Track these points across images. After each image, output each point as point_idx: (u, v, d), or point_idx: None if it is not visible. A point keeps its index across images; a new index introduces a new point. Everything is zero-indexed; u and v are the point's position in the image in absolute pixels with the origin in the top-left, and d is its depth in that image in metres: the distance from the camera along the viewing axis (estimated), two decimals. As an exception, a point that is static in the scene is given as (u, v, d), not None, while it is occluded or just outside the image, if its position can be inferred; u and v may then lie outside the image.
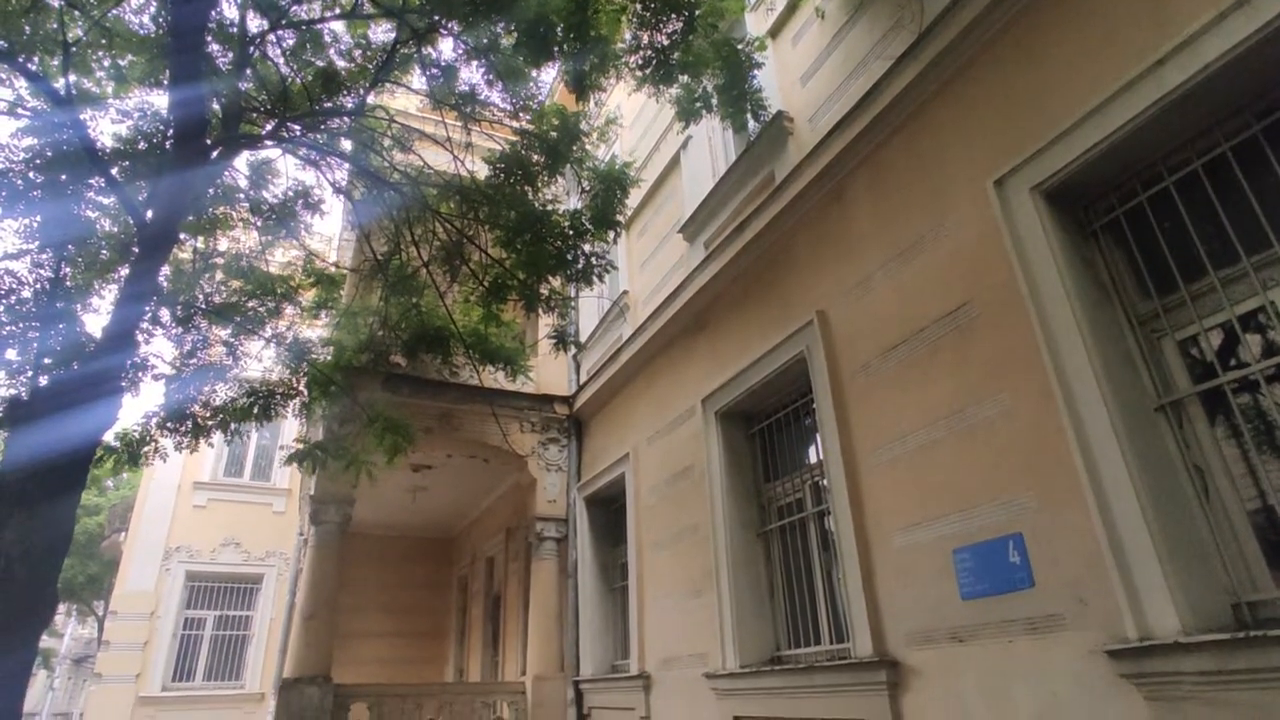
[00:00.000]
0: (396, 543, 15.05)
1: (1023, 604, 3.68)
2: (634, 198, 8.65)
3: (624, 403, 8.41)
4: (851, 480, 4.75)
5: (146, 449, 6.26)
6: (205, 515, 16.31)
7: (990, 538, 3.88)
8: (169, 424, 6.38)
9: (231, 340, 6.86)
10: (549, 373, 9.72)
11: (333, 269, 8.89)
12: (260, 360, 7.49)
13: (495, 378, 9.14)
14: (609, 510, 8.89)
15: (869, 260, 4.95)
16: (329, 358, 7.64)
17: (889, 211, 4.84)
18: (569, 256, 6.45)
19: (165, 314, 6.54)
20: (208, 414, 6.63)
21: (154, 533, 15.80)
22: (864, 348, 4.87)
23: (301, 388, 7.08)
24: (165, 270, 6.49)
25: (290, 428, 14.70)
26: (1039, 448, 3.73)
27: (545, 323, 8.46)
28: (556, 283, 7.12)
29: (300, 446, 7.22)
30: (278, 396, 6.84)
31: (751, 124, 6.64)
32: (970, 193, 4.29)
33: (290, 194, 6.76)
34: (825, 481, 5.28)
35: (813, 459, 5.65)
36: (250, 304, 6.99)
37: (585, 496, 8.99)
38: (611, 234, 6.61)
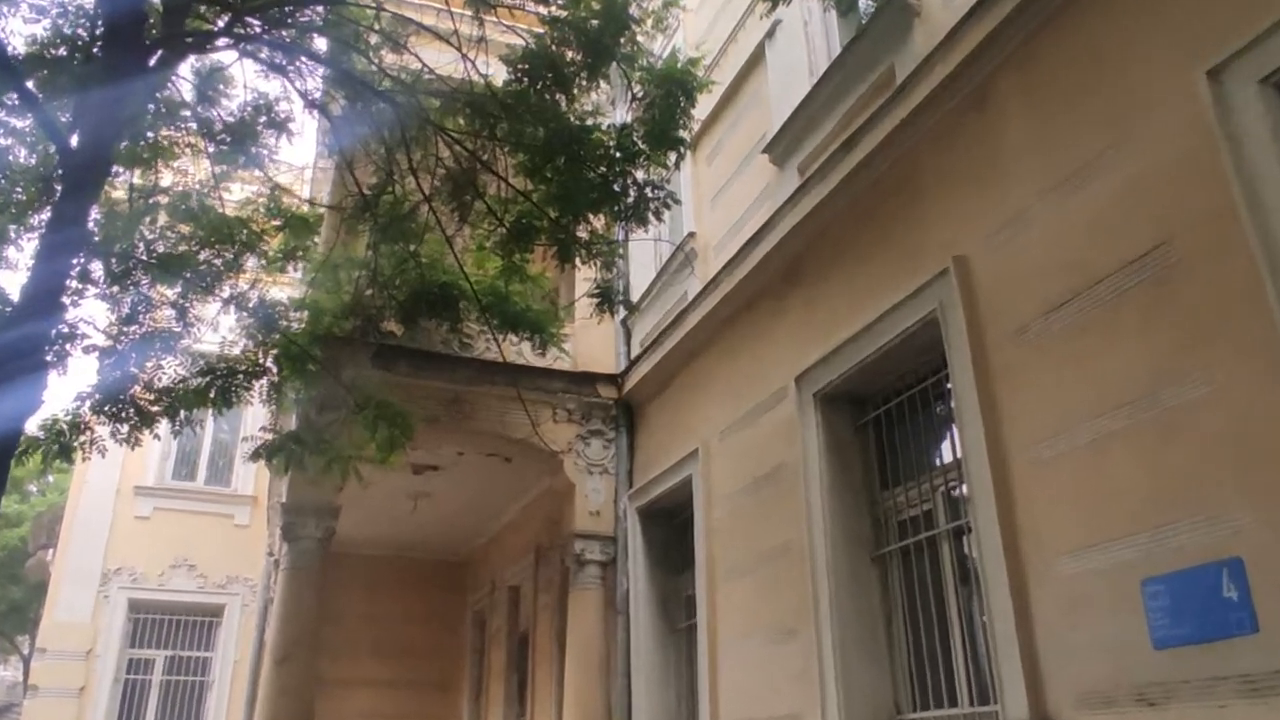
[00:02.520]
0: (393, 566, 15.50)
1: (1241, 655, 3.58)
2: (702, 107, 8.57)
3: (690, 383, 8.46)
4: (1000, 486, 4.71)
5: (81, 440, 6.56)
6: (150, 529, 17.03)
7: (1194, 564, 3.77)
8: (105, 409, 6.66)
9: (180, 302, 7.10)
10: (591, 343, 9.85)
11: (305, 208, 9.08)
12: (216, 328, 7.74)
13: (519, 350, 9.29)
14: (670, 525, 9.01)
15: (1024, 188, 4.85)
16: (303, 325, 7.86)
17: (1051, 121, 4.73)
18: (615, 188, 6.48)
19: (97, 268, 6.80)
20: (152, 398, 6.89)
21: (88, 550, 16.57)
22: (1017, 306, 4.79)
23: (269, 364, 7.31)
24: (96, 213, 6.72)
25: (256, 416, 15.16)
26: (1264, 444, 3.62)
27: (584, 277, 8.56)
28: (599, 223, 7.16)
29: (269, 439, 7.46)
30: (240, 376, 7.08)
31: (864, 2, 6.52)
32: (1169, 89, 4.13)
33: (250, 110, 6.91)
34: (963, 488, 5.24)
35: (946, 457, 5.61)
36: (202, 255, 7.22)
37: (639, 507, 9.11)
38: (672, 157, 6.60)
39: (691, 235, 8.82)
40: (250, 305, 7.39)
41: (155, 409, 6.83)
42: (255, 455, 7.34)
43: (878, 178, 5.99)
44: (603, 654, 8.99)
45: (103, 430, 6.87)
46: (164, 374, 7.04)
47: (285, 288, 9.68)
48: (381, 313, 8.28)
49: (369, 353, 8.58)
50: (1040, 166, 4.77)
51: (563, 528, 9.96)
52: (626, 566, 9.09)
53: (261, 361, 7.30)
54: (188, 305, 7.17)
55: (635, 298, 9.60)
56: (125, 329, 6.96)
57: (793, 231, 6.72)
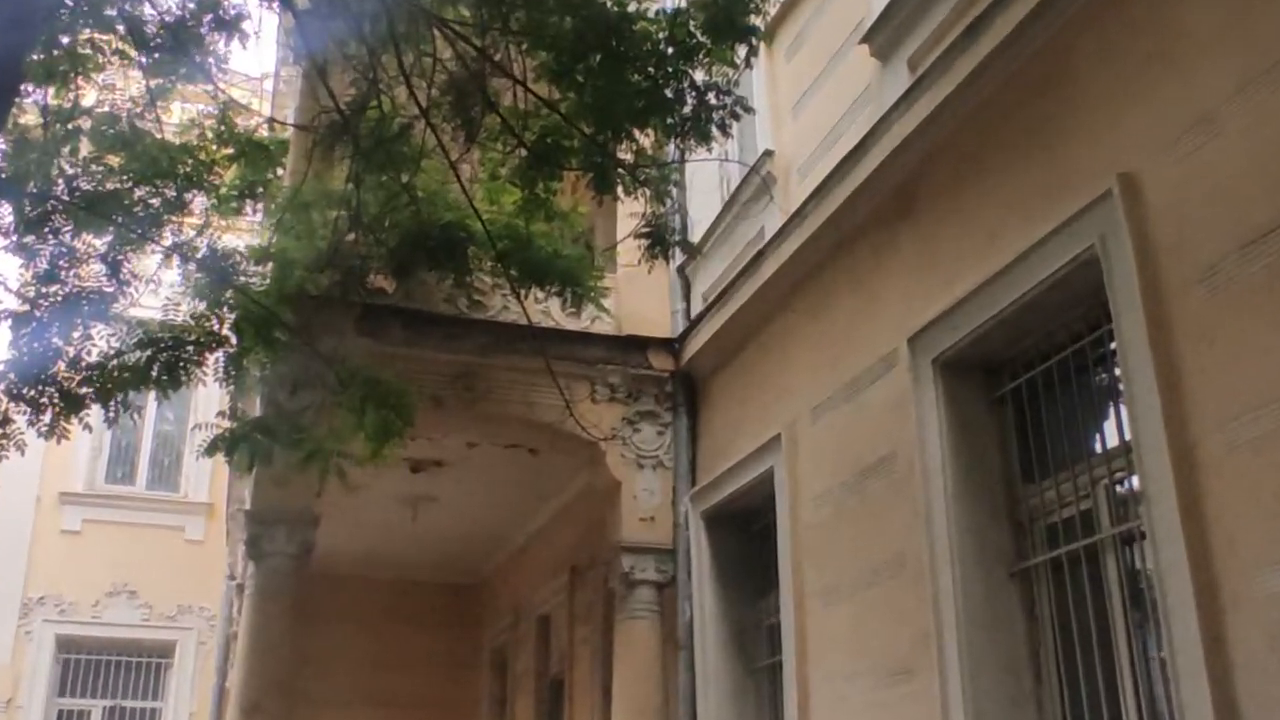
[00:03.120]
0: (388, 592, 15.81)
1: None
2: (779, -16, 8.57)
3: (769, 348, 8.49)
4: (1184, 478, 4.65)
5: (4, 433, 6.75)
6: (81, 547, 17.48)
7: None
8: (21, 393, 6.81)
9: (112, 254, 7.23)
10: (639, 299, 9.96)
11: (266, 130, 9.18)
12: (158, 287, 7.87)
13: (546, 309, 9.40)
14: (746, 534, 9.09)
15: (1212, 81, 4.75)
16: (267, 281, 7.97)
17: (1254, -14, 4.62)
18: (667, 93, 6.45)
19: (6, 213, 6.93)
20: (80, 377, 7.04)
21: (3, 575, 17.01)
22: (1206, 239, 4.71)
23: (225, 331, 7.43)
24: (1, 143, 6.85)
25: (209, 399, 15.46)
26: None
27: (629, 212, 8.55)
28: (646, 141, 7.14)
29: (227, 429, 7.62)
30: (189, 347, 7.22)
31: None
32: None
33: (192, 6, 6.94)
34: (1134, 481, 5.20)
35: (1111, 441, 5.56)
36: (137, 194, 7.33)
37: (705, 511, 9.19)
38: (741, 51, 6.55)
39: (768, 155, 8.77)
40: (199, 257, 7.50)
41: (84, 391, 6.97)
42: (210, 449, 7.47)
43: (1014, 73, 5.91)
44: (659, 702, 9.08)
45: (19, 420, 7.02)
46: (94, 347, 7.17)
47: (243, 234, 9.80)
48: (367, 264, 8.37)
49: (352, 315, 8.70)
50: (1238, 52, 4.67)
51: (605, 539, 10.06)
52: (689, 588, 9.17)
53: (216, 329, 7.41)
54: (121, 258, 7.29)
55: (696, 238, 9.62)
56: (44, 290, 7.10)
57: (903, 146, 6.66)
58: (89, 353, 7.19)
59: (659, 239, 7.63)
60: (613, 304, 9.74)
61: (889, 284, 6.97)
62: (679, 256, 9.37)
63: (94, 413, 7.34)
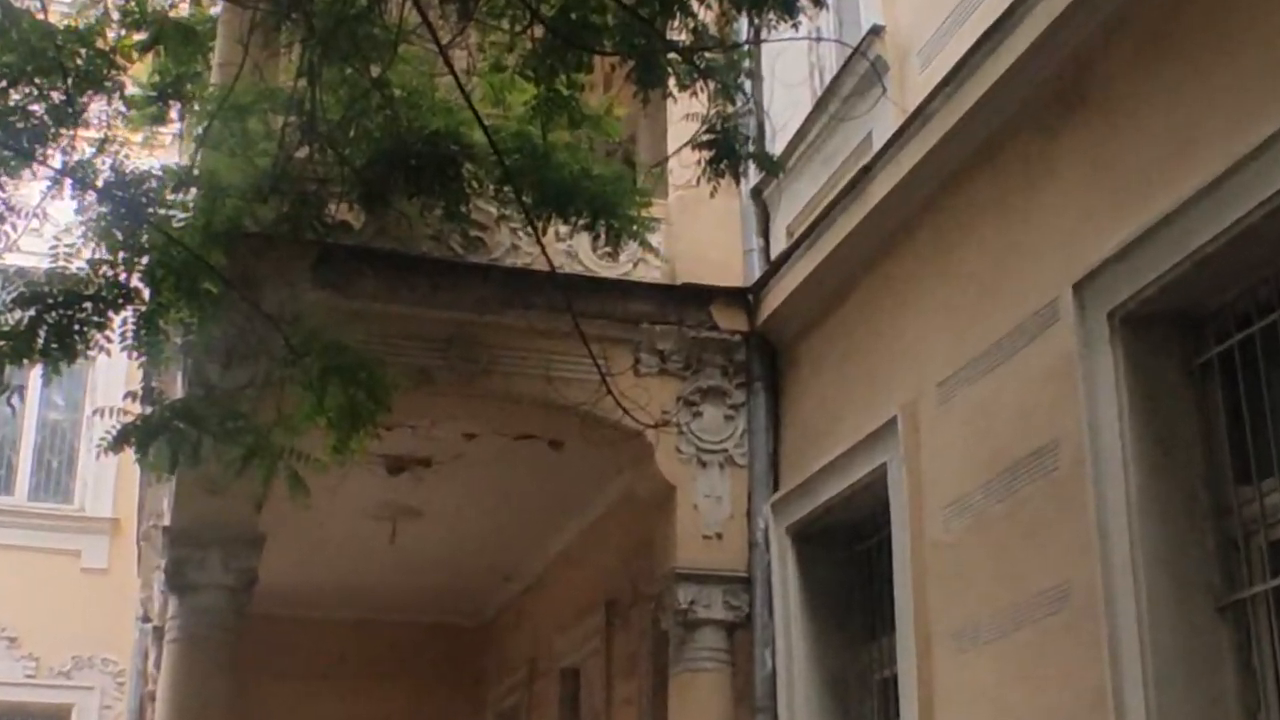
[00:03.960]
0: (357, 636, 15.93)
1: None
2: None
3: (879, 300, 8.49)
4: None
5: None
6: (-59, 579, 17.61)
7: None
8: None
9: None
10: (698, 234, 9.96)
11: (188, 7, 9.15)
12: (42, 225, 7.89)
13: (572, 249, 9.42)
14: (848, 556, 9.13)
15: None
16: (192, 214, 7.98)
17: None
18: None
19: None
20: None
21: None
22: None
23: (136, 282, 7.45)
24: None
25: (112, 376, 15.58)
26: None
27: (686, 114, 8.48)
28: (709, 14, 7.09)
29: (139, 416, 7.66)
30: (86, 306, 7.22)
31: None
32: None
33: None
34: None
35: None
36: (13, 97, 7.32)
37: (792, 525, 9.22)
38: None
39: (877, 32, 8.67)
40: (99, 183, 7.50)
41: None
42: (116, 444, 7.51)
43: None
44: (729, 785, 9.17)
45: None
46: None
47: (158, 152, 9.81)
48: (326, 189, 8.36)
49: (307, 260, 8.76)
50: None
51: (655, 565, 10.07)
52: (771, 630, 9.20)
53: (123, 279, 7.43)
54: (-9, 185, 7.31)
55: (777, 149, 9.52)
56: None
57: (1068, 16, 6.57)
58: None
59: (726, 150, 7.58)
60: (663, 241, 9.72)
61: (1048, 209, 6.89)
62: (754, 175, 9.32)
63: None
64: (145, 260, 7.54)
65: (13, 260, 7.56)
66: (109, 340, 7.56)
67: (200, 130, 8.54)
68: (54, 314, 7.16)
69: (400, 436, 10.06)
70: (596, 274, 9.60)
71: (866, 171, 8.30)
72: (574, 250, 9.53)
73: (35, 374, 8.00)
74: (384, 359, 7.65)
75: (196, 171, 8.31)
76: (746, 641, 9.38)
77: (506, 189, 8.13)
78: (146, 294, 7.55)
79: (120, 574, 17.47)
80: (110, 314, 7.41)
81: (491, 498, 12.21)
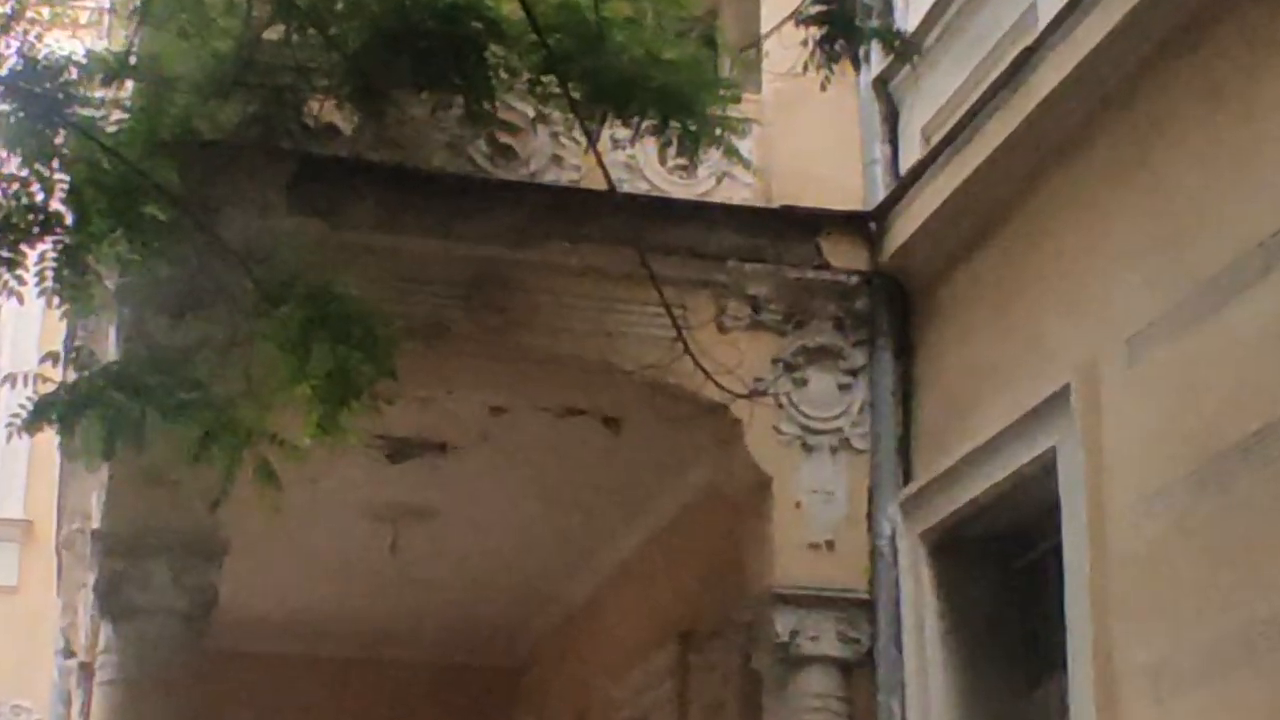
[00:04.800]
0: (350, 679, 16.12)
1: None
2: None
3: (1046, 227, 8.49)
4: None
5: None
6: None
7: None
8: None
9: None
10: (802, 140, 9.97)
11: None
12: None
13: (634, 160, 9.44)
14: (1004, 572, 9.16)
15: None
16: (129, 117, 8.06)
17: None
18: None
19: None
20: None
21: None
22: None
23: (57, 205, 7.51)
24: None
25: (26, 330, 15.70)
26: None
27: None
28: None
29: (60, 385, 7.80)
30: (-8, 235, 7.32)
31: None
32: None
33: None
34: None
35: None
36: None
37: (929, 531, 9.27)
38: None
39: None
40: (6, 70, 7.60)
41: None
42: (32, 422, 7.62)
43: None
44: None
45: None
46: None
47: (83, 32, 9.90)
48: (306, 81, 8.46)
49: (282, 177, 8.82)
50: None
51: (743, 581, 10.14)
52: (900, 669, 9.24)
53: (40, 201, 7.51)
54: None
55: (909, 26, 9.46)
56: None
57: None
58: None
59: (841, 26, 7.62)
60: (755, 150, 9.72)
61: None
62: (877, 60, 9.34)
63: None
64: (67, 177, 7.61)
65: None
66: (21, 282, 7.63)
67: (140, 1, 8.57)
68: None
69: (406, 412, 10.04)
70: (667, 194, 9.60)
71: (1030, 55, 8.23)
72: (636, 162, 9.54)
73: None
74: (385, 308, 7.68)
75: (134, 58, 8.39)
76: (867, 685, 9.37)
77: (547, 79, 8.16)
78: (69, 220, 7.60)
79: (33, 593, 17.65)
80: (22, 247, 7.48)
81: (526, 494, 12.31)
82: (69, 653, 14.72)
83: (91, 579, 9.28)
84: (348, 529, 12.52)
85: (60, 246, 7.54)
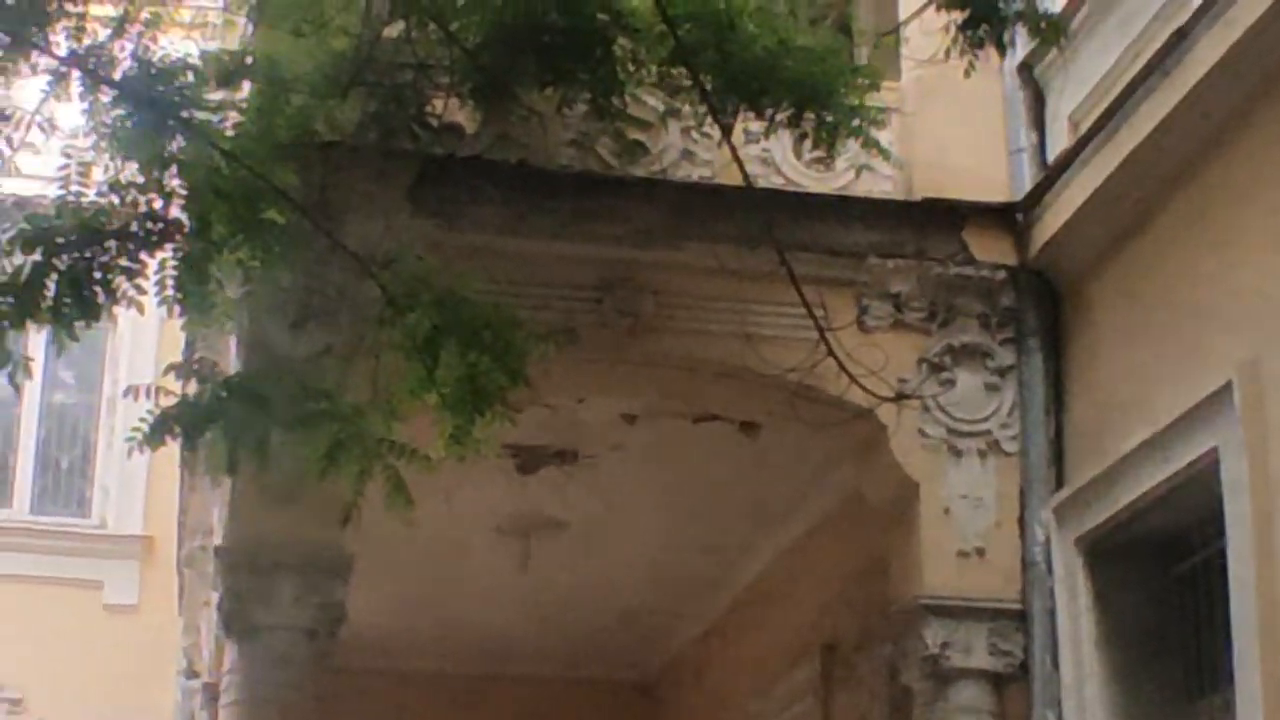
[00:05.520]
0: (479, 697, 16.07)
1: None
2: None
3: (1206, 219, 8.33)
4: None
5: None
6: (-81, 619, 18.01)
7: None
8: None
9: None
10: (943, 130, 9.87)
11: None
12: (48, 137, 7.96)
13: (766, 154, 9.33)
14: (1162, 579, 9.03)
15: None
16: (246, 119, 8.00)
17: None
18: None
19: None
20: None
21: None
22: None
23: (177, 212, 7.43)
24: None
25: (139, 343, 15.78)
26: None
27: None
28: None
29: (183, 397, 7.71)
30: (110, 247, 7.24)
31: None
32: None
33: None
34: None
35: None
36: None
37: (1084, 536, 9.13)
38: None
39: None
40: (120, 74, 7.55)
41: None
42: (154, 436, 7.54)
43: None
44: None
45: None
46: None
47: (193, 33, 9.86)
48: (428, 79, 8.39)
49: (405, 178, 8.75)
50: None
51: (890, 592, 10.03)
52: (1056, 684, 9.10)
53: (159, 208, 7.44)
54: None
55: (1056, 5, 9.31)
56: None
57: None
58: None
59: (985, 10, 7.45)
60: (895, 140, 9.52)
61: None
62: (1022, 45, 9.16)
63: None
64: (185, 183, 7.53)
65: (10, 188, 7.57)
66: (141, 292, 7.55)
67: (255, 0, 8.55)
68: (66, 258, 7.18)
69: (535, 420, 9.84)
70: (802, 188, 9.48)
71: (1182, 36, 8.07)
72: (770, 156, 9.43)
73: (41, 343, 7.97)
74: (514, 313, 7.55)
75: (250, 58, 8.36)
76: (1021, 699, 9.22)
77: (676, 72, 8.02)
78: (187, 226, 7.49)
79: (155, 612, 17.74)
80: (142, 256, 7.41)
81: (659, 504, 12.23)
82: (192, 673, 14.78)
83: (215, 597, 9.24)
84: (476, 542, 12.50)
85: (180, 254, 7.47)
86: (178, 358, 8.72)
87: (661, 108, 9.05)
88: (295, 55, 8.13)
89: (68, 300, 7.09)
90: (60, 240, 7.17)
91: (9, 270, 7.21)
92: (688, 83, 8.05)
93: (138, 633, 17.88)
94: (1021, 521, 9.40)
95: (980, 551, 9.34)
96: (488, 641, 15.39)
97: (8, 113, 7.66)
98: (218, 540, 9.52)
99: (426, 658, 15.49)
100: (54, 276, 7.12)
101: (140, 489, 17.98)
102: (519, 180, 9.12)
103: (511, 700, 16.06)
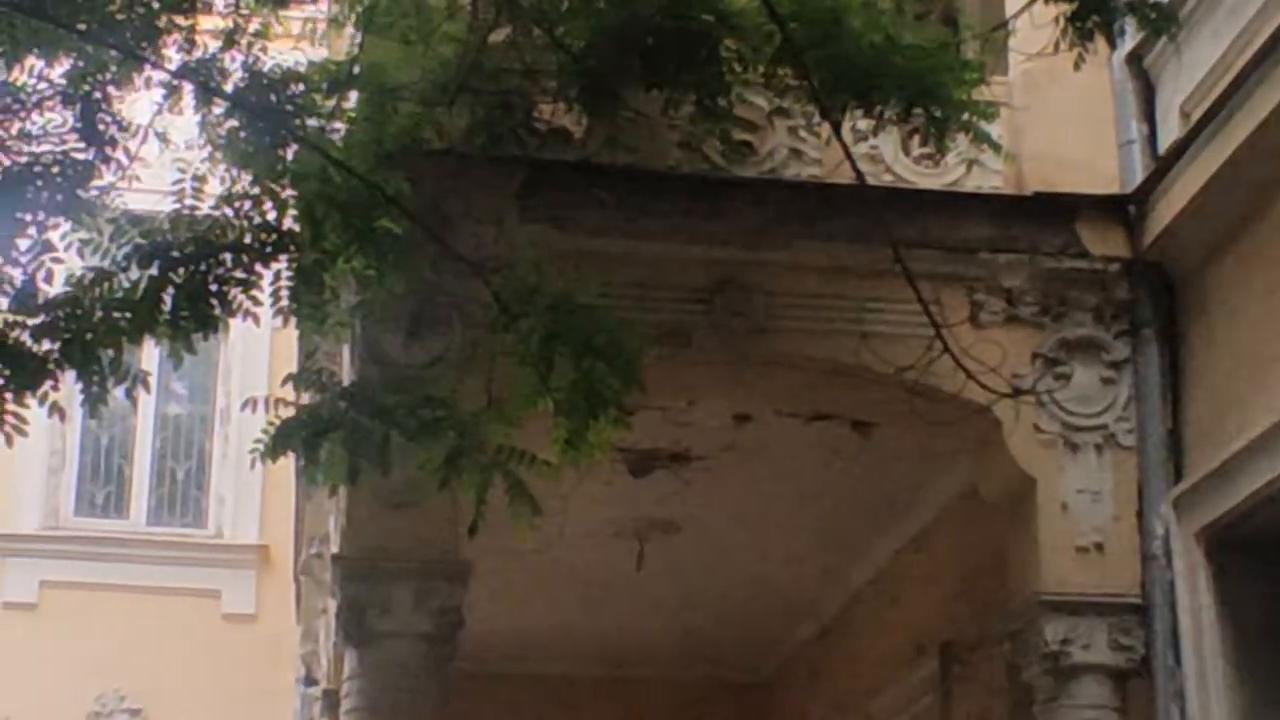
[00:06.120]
0: (594, 699, 16.12)
1: None
2: None
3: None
4: None
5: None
6: (38, 629, 18.10)
7: None
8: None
9: (81, 92, 7.36)
10: (1052, 124, 9.80)
11: None
12: (163, 150, 8.00)
13: (875, 151, 9.29)
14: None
15: None
16: (354, 129, 8.03)
17: None
18: None
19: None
20: (35, 323, 7.19)
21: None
22: None
23: (291, 223, 7.45)
24: None
25: (250, 356, 15.83)
26: None
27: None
28: None
29: (303, 409, 7.78)
30: (225, 259, 7.28)
31: None
32: None
33: None
34: None
35: None
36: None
37: (1205, 529, 9.04)
38: None
39: None
40: (232, 86, 7.59)
41: (45, 349, 7.11)
42: (276, 447, 7.57)
43: None
44: None
45: None
46: (58, 265, 7.28)
47: (300, 44, 9.87)
48: (534, 84, 8.41)
49: (513, 184, 8.79)
50: None
51: (1008, 588, 9.97)
52: (1179, 680, 9.01)
53: (273, 220, 7.45)
54: (97, 96, 7.41)
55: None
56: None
57: None
58: (50, 277, 7.34)
59: (1094, 2, 7.43)
60: (1004, 134, 9.37)
61: None
62: (1130, 33, 9.07)
63: (61, 387, 7.44)
64: (296, 193, 7.54)
65: (125, 201, 7.59)
66: (256, 304, 7.57)
67: (361, 9, 8.56)
68: (183, 271, 7.21)
69: (647, 423, 9.83)
70: (912, 184, 9.44)
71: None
72: (879, 153, 9.38)
73: (155, 356, 8.02)
74: (625, 316, 7.55)
75: (358, 68, 8.39)
76: (1145, 696, 9.15)
77: (782, 71, 8.01)
78: (303, 237, 7.49)
79: (272, 620, 17.82)
80: (258, 268, 7.42)
81: (772, 504, 12.21)
82: (310, 680, 14.84)
83: (332, 605, 9.27)
84: (591, 545, 12.45)
85: (294, 265, 7.50)
86: (290, 368, 8.76)
87: (768, 107, 9.10)
88: (402, 63, 8.19)
89: (185, 313, 7.13)
90: (176, 254, 7.22)
91: (126, 284, 7.26)
92: (794, 82, 8.05)
93: (256, 641, 17.96)
94: (1140, 515, 9.32)
95: (1099, 546, 9.27)
96: (603, 643, 15.42)
97: (124, 126, 7.72)
98: (335, 548, 9.54)
99: (544, 661, 15.52)
100: (171, 290, 7.17)
101: (255, 498, 18.06)
102: (627, 183, 9.09)
103: (627, 702, 16.06)
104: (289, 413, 7.80)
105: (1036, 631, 9.22)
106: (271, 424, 7.63)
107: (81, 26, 7.28)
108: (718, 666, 16.16)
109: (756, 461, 11.28)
